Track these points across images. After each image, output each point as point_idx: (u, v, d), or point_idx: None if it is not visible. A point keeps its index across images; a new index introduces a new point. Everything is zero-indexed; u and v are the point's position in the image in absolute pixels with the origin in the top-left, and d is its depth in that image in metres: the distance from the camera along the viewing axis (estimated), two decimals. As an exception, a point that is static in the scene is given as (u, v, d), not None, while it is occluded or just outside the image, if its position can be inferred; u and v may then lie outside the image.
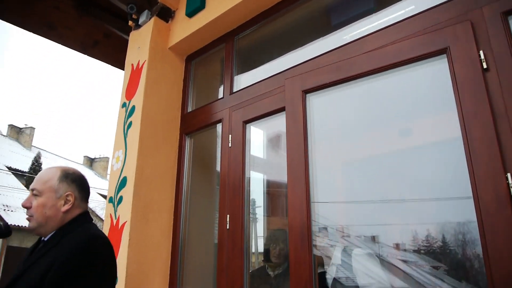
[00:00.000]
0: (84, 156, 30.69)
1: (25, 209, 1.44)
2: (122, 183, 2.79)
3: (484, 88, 1.58)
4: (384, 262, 1.98)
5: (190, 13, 3.03)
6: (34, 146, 26.37)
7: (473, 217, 1.50)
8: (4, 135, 25.36)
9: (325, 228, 2.14)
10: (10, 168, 19.52)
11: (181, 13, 3.18)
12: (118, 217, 2.71)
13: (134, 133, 2.87)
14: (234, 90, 2.83)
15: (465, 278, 1.70)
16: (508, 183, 1.45)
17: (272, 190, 2.85)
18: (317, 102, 2.22)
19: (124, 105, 3.10)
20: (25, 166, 20.62)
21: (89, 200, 1.58)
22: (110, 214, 2.80)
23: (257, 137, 2.74)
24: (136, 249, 2.59)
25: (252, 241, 2.55)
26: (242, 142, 2.56)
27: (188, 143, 3.12)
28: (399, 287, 1.94)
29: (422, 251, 1.86)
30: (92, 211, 19.95)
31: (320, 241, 2.09)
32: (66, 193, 1.45)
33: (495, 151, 1.50)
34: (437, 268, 1.81)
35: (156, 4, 3.19)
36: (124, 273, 2.46)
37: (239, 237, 2.35)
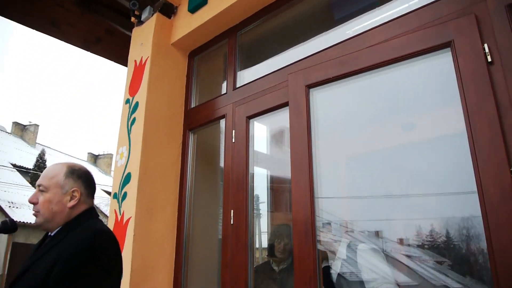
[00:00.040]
0: (88, 153, 30.83)
1: (32, 205, 1.46)
2: (126, 179, 2.80)
3: (488, 82, 1.57)
4: (388, 257, 1.98)
5: (193, 9, 3.02)
6: (39, 143, 26.50)
7: (477, 211, 1.50)
8: (8, 133, 25.51)
9: (329, 223, 2.15)
10: (14, 165, 19.65)
11: (183, 9, 3.18)
12: (123, 213, 2.73)
13: (138, 129, 2.88)
14: (237, 85, 2.82)
15: (469, 272, 1.70)
16: (513, 177, 1.44)
17: (275, 185, 2.86)
18: (320, 97, 2.21)
19: (127, 101, 3.11)
20: (29, 163, 20.71)
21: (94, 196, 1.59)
22: (115, 210, 2.82)
23: (261, 132, 2.74)
24: (141, 245, 2.61)
25: (256, 237, 2.56)
26: (246, 138, 2.56)
27: (191, 138, 3.13)
28: (403, 282, 1.95)
29: (426, 246, 1.86)
30: (97, 207, 20.05)
31: (324, 236, 2.10)
32: (72, 189, 1.46)
33: (499, 144, 1.49)
34: (441, 263, 1.81)
35: (158, 0, 3.19)
36: (129, 268, 2.48)
37: (243, 232, 2.36)
